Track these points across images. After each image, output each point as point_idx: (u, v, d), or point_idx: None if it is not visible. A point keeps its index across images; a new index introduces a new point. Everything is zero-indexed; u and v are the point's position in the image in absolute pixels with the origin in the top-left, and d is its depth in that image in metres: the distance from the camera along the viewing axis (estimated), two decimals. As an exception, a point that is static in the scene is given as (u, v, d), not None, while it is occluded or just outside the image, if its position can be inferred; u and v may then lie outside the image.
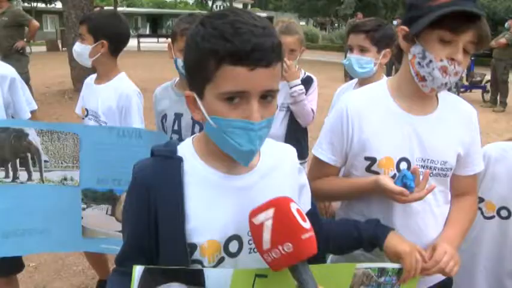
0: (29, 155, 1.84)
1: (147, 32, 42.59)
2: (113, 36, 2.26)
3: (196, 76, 0.94)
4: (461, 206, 1.53)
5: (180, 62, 2.03)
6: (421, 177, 1.35)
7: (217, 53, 0.88)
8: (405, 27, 1.38)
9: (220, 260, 1.04)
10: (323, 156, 1.52)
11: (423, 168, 1.41)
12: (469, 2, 1.26)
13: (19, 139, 1.82)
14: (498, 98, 9.77)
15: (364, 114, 1.45)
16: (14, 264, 2.23)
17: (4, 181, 1.85)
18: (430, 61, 1.31)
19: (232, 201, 1.02)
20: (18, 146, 1.83)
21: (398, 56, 1.48)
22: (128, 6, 46.55)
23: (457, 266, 1.37)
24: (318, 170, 1.57)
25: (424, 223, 1.46)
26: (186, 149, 1.06)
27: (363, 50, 2.20)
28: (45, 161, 1.87)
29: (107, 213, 2.01)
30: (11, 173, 1.86)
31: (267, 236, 0.89)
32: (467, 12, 1.24)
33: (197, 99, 0.97)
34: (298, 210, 0.91)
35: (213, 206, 1.01)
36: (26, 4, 29.53)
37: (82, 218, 1.99)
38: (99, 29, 2.23)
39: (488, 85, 10.28)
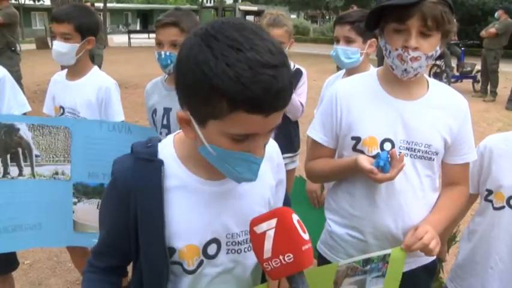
0: (20, 150, 1.84)
1: (138, 27, 42.28)
2: (95, 31, 2.27)
3: (201, 108, 0.86)
4: (449, 194, 1.57)
5: (156, 55, 2.06)
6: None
7: (234, 99, 0.80)
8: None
9: (200, 264, 1.05)
10: (316, 137, 1.63)
11: (407, 150, 1.48)
12: None
13: (10, 134, 1.81)
14: (488, 87, 9.85)
15: (352, 98, 1.54)
16: (9, 262, 2.23)
17: (-5, 177, 1.84)
18: (390, 51, 1.43)
19: (211, 206, 1.03)
20: (9, 141, 1.82)
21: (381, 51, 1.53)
22: (117, 2, 46.18)
23: (439, 247, 1.42)
24: (312, 151, 1.67)
25: (406, 203, 1.51)
26: (167, 151, 1.04)
27: (348, 41, 2.24)
28: (37, 156, 1.87)
29: (98, 208, 2.00)
30: (1, 169, 1.85)
31: (268, 245, 0.91)
32: (401, 4, 1.32)
33: (194, 124, 0.90)
34: (298, 221, 0.92)
35: (192, 212, 1.02)
36: (13, 1, 29.21)
37: (73, 212, 1.99)
38: (86, 25, 2.21)
39: (478, 75, 10.35)
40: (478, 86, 10.36)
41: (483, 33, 9.76)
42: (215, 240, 1.05)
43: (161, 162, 1.00)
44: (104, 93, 2.25)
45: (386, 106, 1.50)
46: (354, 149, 1.53)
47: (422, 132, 1.47)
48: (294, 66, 2.63)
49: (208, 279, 1.07)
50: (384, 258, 1.35)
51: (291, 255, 0.89)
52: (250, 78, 0.79)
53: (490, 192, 1.70)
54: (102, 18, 10.33)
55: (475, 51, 11.95)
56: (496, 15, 9.89)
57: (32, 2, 28.82)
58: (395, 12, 1.36)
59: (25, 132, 1.83)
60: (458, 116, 1.52)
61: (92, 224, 2.00)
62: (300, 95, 2.59)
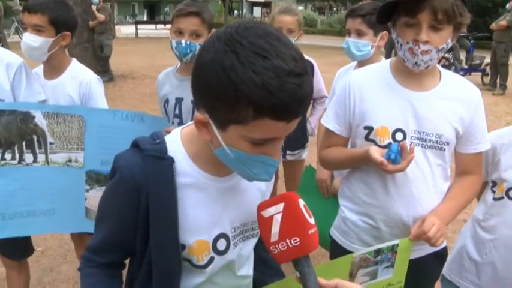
0: (35, 137, 1.87)
1: (145, 18, 42.27)
2: (73, 27, 2.12)
3: (223, 113, 0.86)
4: (461, 184, 1.59)
5: (174, 43, 2.06)
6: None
7: (260, 106, 0.81)
8: None
9: (211, 260, 1.06)
10: (329, 125, 1.66)
11: (418, 140, 1.50)
12: None
13: (25, 122, 1.85)
14: (498, 81, 9.76)
15: (365, 88, 1.57)
16: (25, 248, 2.27)
17: (10, 163, 1.88)
18: (401, 45, 1.45)
19: (218, 201, 1.05)
20: (24, 129, 1.85)
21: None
22: (124, -8, 46.13)
23: (443, 238, 1.47)
24: (326, 139, 1.72)
25: (418, 192, 1.54)
26: (176, 147, 1.03)
27: (360, 34, 2.25)
28: (51, 143, 1.90)
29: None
30: (17, 155, 1.88)
31: (275, 229, 0.93)
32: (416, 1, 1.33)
33: (213, 126, 0.90)
34: (304, 206, 0.94)
35: (201, 207, 1.03)
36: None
37: (85, 199, 2.02)
38: (62, 19, 2.05)
39: (487, 68, 10.26)
40: (487, 79, 10.28)
41: (493, 25, 9.65)
42: (224, 236, 1.08)
43: (172, 160, 1.00)
44: (84, 87, 2.12)
45: (398, 97, 1.52)
46: (367, 138, 1.56)
47: (433, 122, 1.49)
48: None
49: (216, 271, 1.09)
50: (393, 249, 1.38)
51: (298, 239, 0.91)
52: (277, 86, 0.80)
53: (494, 183, 1.70)
54: (110, 8, 10.23)
55: (484, 44, 11.81)
56: (507, 6, 9.74)
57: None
58: (406, 6, 1.38)
59: (40, 120, 1.86)
60: (471, 106, 1.53)
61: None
62: (318, 88, 2.74)
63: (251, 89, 0.80)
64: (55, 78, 2.16)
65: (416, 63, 1.43)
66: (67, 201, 2.00)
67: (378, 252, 1.35)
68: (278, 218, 0.93)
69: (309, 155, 3.13)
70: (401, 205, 1.55)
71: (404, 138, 1.50)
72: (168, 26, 2.13)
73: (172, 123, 2.18)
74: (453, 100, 1.52)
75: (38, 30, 2.02)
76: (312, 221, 0.93)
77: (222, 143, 0.91)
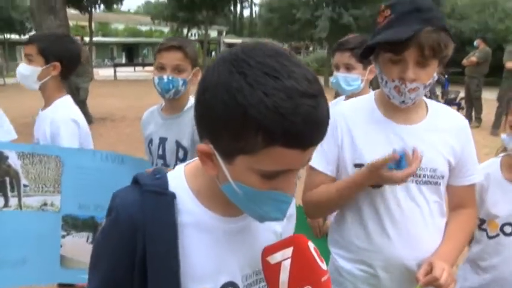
0: (7, 179, 1.75)
1: (123, 61, 42.57)
2: (65, 58, 2.12)
3: (229, 142, 0.77)
4: (457, 220, 1.51)
5: (156, 79, 2.00)
6: None
7: (272, 133, 0.72)
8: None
9: None
10: (315, 163, 1.49)
11: (412, 176, 1.39)
12: (406, 21, 1.29)
13: (-3, 163, 1.73)
14: (473, 114, 10.02)
15: (352, 121, 1.48)
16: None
17: (-22, 209, 1.74)
18: (386, 82, 1.38)
19: (226, 245, 0.93)
20: (-4, 170, 1.73)
21: None
22: (103, 35, 46.57)
23: (454, 284, 1.35)
24: (311, 180, 1.54)
25: (417, 231, 1.44)
26: (178, 183, 0.92)
27: (349, 68, 2.21)
28: (25, 186, 1.77)
29: (87, 242, 1.91)
30: (-14, 200, 1.75)
31: (284, 277, 0.83)
32: (395, 40, 1.27)
33: (219, 159, 0.81)
34: (315, 250, 0.85)
35: (205, 251, 0.91)
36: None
37: (61, 246, 1.89)
38: (51, 50, 2.09)
39: (462, 102, 10.55)
40: (462, 113, 10.53)
41: (464, 61, 10.00)
42: (232, 285, 0.94)
43: (173, 196, 0.89)
44: (53, 126, 2.05)
45: (386, 131, 1.44)
46: None
47: (425, 156, 1.40)
48: None
49: None
50: None
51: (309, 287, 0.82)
52: (289, 108, 0.71)
53: (482, 221, 1.67)
54: (88, 51, 10.23)
55: (457, 79, 12.22)
56: (475, 43, 10.18)
57: (17, 37, 28.85)
58: (390, 44, 1.30)
59: (14, 161, 1.74)
60: (460, 136, 1.48)
61: (81, 259, 1.89)
62: None
63: (261, 112, 0.71)
64: (43, 110, 2.16)
65: (403, 101, 1.37)
66: (41, 249, 1.85)
67: None
68: (287, 264, 0.83)
69: (298, 193, 3.04)
70: (401, 247, 1.43)
71: None
72: (147, 68, 2.08)
73: (156, 164, 2.09)
74: (443, 131, 1.46)
75: (29, 59, 2.10)
76: (324, 266, 0.84)
77: (229, 178, 0.81)
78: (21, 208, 1.79)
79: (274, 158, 0.75)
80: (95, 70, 17.54)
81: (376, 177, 1.36)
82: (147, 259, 0.87)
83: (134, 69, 26.97)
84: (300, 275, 0.82)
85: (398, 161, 1.32)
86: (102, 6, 26.30)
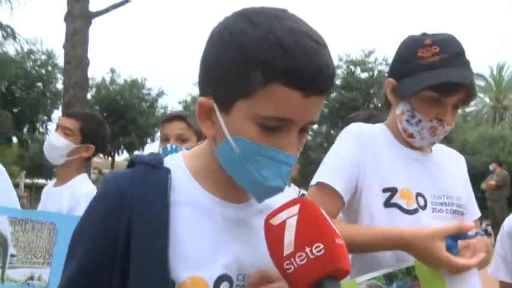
0: (-7, 247, 1.60)
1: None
2: (99, 142, 2.15)
3: (227, 84, 0.75)
4: None
5: (160, 151, 2.02)
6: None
7: (272, 67, 0.71)
8: (393, 81, 1.37)
9: None
10: (331, 180, 1.28)
11: (441, 205, 1.31)
12: (458, 63, 1.27)
13: (-14, 228, 1.60)
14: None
15: (375, 143, 1.36)
16: None
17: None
18: (420, 120, 1.30)
19: (223, 233, 0.82)
20: (-17, 236, 1.60)
21: (386, 103, 1.45)
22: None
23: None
24: (320, 201, 1.25)
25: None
26: (175, 162, 0.86)
27: None
28: (12, 256, 1.62)
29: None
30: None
31: (290, 236, 0.68)
32: (457, 84, 1.25)
33: (217, 111, 0.78)
34: (326, 214, 0.73)
35: (201, 233, 0.80)
36: (27, 180, 30.57)
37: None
38: (91, 131, 2.11)
39: (489, 228, 10.15)
40: (491, 239, 10.05)
41: (483, 185, 9.96)
42: (227, 278, 0.80)
43: (168, 171, 0.82)
44: (73, 201, 1.98)
45: (406, 157, 1.36)
46: (388, 203, 1.27)
47: (448, 183, 1.35)
48: (300, 192, 2.61)
49: None
50: (409, 273, 1.12)
51: (321, 245, 0.66)
52: (292, 44, 0.70)
53: None
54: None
55: (479, 204, 11.99)
56: (491, 168, 10.30)
57: (44, 181, 30.07)
58: (439, 85, 1.24)
59: (4, 227, 1.63)
60: (463, 169, 1.47)
61: None
62: None
63: (262, 48, 0.71)
64: (61, 185, 2.10)
65: (433, 143, 1.33)
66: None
67: (390, 278, 1.08)
68: (292, 222, 0.68)
69: None
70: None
71: (425, 204, 1.29)
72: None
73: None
74: (450, 163, 1.43)
75: (65, 133, 2.08)
76: (338, 232, 0.69)
77: (227, 133, 0.76)
78: (3, 282, 1.61)
79: (274, 99, 0.72)
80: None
81: (431, 248, 1.13)
82: (132, 239, 0.75)
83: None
84: (308, 232, 0.67)
85: (454, 241, 1.14)
86: (124, 152, 27.70)
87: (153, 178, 0.80)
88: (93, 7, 9.28)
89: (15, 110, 20.91)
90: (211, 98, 0.78)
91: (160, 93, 26.38)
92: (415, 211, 1.26)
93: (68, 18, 8.89)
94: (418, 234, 1.15)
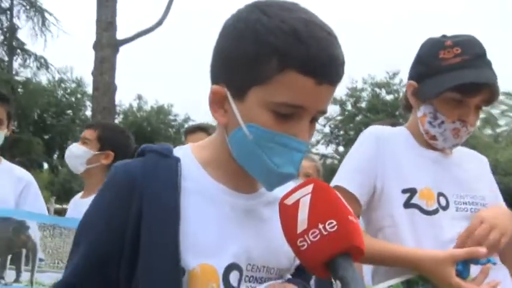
0: (23, 251, 1.66)
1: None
2: (119, 150, 2.15)
3: (242, 72, 0.77)
4: None
5: None
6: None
7: (286, 55, 0.73)
8: (414, 83, 1.37)
9: None
10: (348, 185, 1.29)
11: (465, 204, 1.29)
12: (479, 64, 1.28)
13: (18, 232, 1.66)
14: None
15: (393, 144, 1.36)
16: None
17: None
18: (442, 122, 1.30)
19: (233, 222, 0.83)
20: (15, 240, 1.65)
21: (406, 106, 1.45)
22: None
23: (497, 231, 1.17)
24: None
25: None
26: (184, 152, 0.87)
27: None
28: (40, 260, 1.67)
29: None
30: (-4, 271, 1.64)
31: (303, 214, 0.70)
32: (480, 84, 1.25)
33: (230, 98, 0.79)
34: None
35: (211, 222, 0.82)
36: (57, 206, 31.16)
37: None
38: (108, 138, 2.17)
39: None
40: None
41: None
42: (237, 267, 0.81)
43: (178, 159, 0.83)
44: None
45: (427, 158, 1.36)
46: (408, 204, 1.27)
47: (471, 183, 1.33)
48: None
49: None
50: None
51: (334, 222, 0.67)
52: (306, 33, 0.74)
53: None
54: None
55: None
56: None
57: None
58: (462, 86, 1.24)
59: (34, 232, 1.67)
60: (488, 169, 1.46)
61: None
62: None
63: (278, 36, 0.73)
64: (87, 198, 2.11)
65: (455, 144, 1.33)
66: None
67: (409, 285, 1.07)
68: (306, 200, 0.70)
69: None
70: None
71: (447, 204, 1.28)
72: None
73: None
74: (473, 165, 1.42)
75: (84, 142, 2.17)
76: (351, 210, 0.71)
77: (240, 120, 0.78)
78: (32, 285, 1.65)
79: (288, 86, 0.74)
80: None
81: (441, 273, 1.14)
82: (142, 226, 0.76)
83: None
84: (322, 209, 0.68)
85: (465, 266, 1.15)
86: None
87: (164, 166, 0.82)
88: (120, 35, 9.67)
89: (46, 137, 21.59)
90: (225, 86, 0.80)
91: (187, 119, 26.76)
92: (434, 212, 1.26)
93: (97, 46, 9.27)
94: (430, 259, 1.16)
